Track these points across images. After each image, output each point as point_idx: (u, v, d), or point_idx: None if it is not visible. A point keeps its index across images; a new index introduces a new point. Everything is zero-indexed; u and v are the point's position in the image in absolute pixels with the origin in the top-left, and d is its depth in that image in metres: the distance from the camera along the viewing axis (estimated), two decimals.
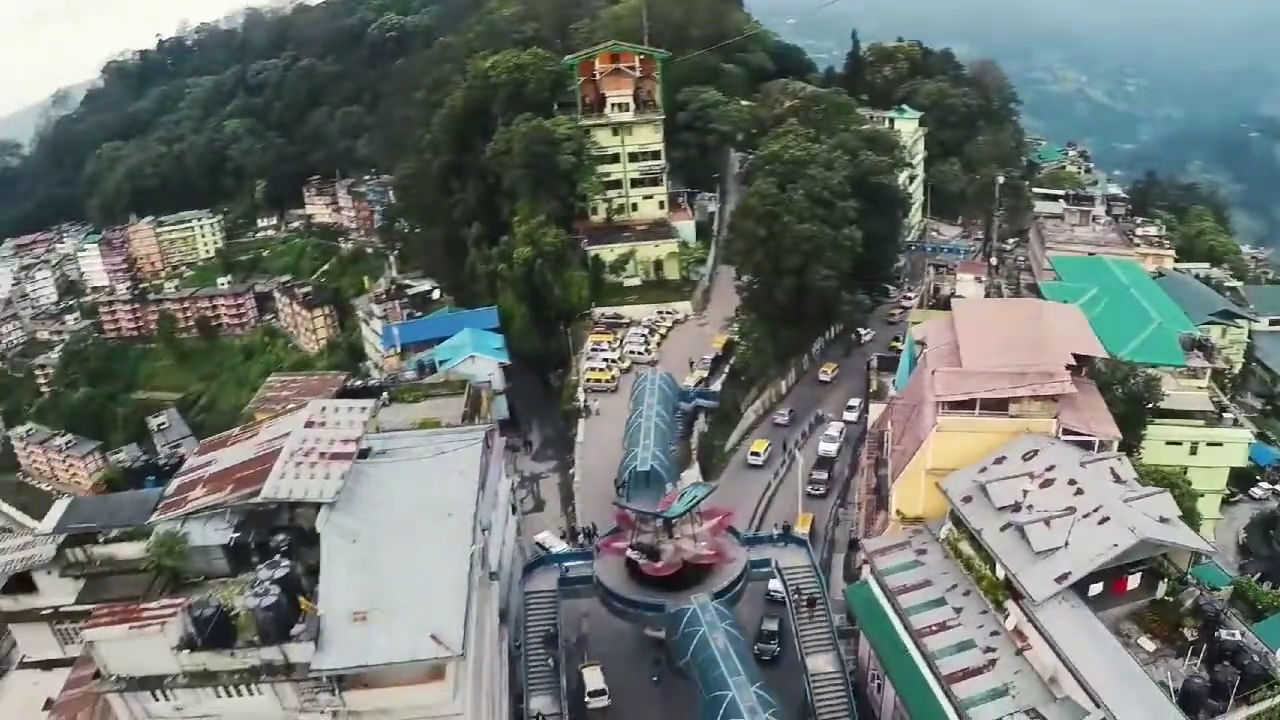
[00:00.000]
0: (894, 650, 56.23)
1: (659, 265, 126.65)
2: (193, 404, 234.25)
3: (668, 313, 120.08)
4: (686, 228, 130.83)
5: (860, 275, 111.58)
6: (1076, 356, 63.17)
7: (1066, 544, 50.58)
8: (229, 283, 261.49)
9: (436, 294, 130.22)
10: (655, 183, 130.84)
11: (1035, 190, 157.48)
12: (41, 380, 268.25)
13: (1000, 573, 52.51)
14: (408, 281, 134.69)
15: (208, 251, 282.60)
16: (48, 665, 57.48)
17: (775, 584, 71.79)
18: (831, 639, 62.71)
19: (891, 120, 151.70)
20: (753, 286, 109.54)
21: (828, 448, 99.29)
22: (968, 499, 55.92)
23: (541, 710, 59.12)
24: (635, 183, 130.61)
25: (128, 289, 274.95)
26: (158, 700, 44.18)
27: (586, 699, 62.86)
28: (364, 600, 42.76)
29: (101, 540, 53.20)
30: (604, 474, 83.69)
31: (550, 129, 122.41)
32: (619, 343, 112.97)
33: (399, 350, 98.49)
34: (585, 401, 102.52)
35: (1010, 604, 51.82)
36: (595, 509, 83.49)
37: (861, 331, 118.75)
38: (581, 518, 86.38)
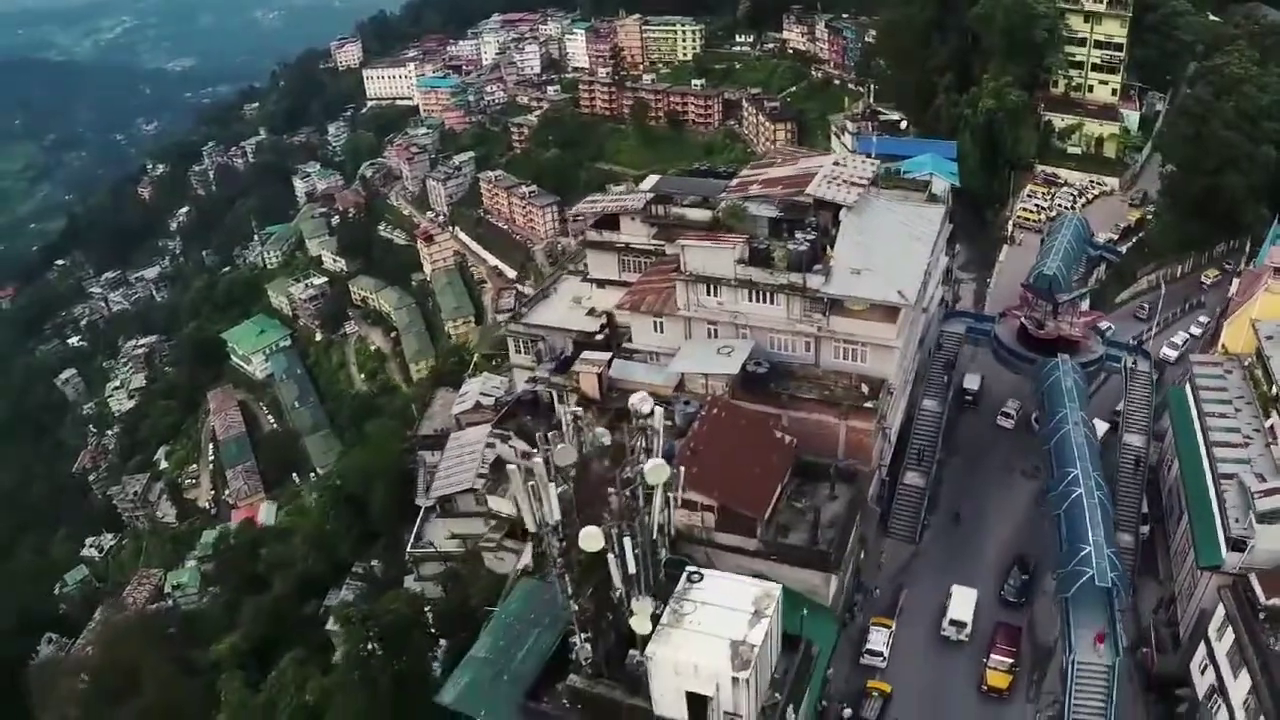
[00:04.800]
0: (1186, 429, 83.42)
1: (1100, 142, 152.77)
2: None
3: (1097, 183, 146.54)
4: (1132, 117, 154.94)
5: (1273, 199, 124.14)
6: None
7: None
8: (701, 85, 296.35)
9: (904, 125, 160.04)
10: (1113, 71, 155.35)
11: None
12: (515, 137, 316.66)
13: (1274, 390, 77.44)
14: (880, 109, 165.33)
15: (685, 55, 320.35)
16: (602, 284, 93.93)
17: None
18: (1148, 424, 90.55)
19: None
20: (1173, 176, 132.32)
21: (1167, 352, 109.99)
22: (1270, 338, 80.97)
23: (930, 408, 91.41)
24: (1095, 67, 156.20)
25: (608, 74, 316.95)
26: (708, 295, 78.76)
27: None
28: (859, 262, 75.78)
29: (679, 204, 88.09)
30: (1013, 288, 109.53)
31: (1031, 5, 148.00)
32: (1051, 196, 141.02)
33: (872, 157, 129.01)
34: (1012, 232, 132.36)
35: (1274, 412, 77.00)
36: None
37: None
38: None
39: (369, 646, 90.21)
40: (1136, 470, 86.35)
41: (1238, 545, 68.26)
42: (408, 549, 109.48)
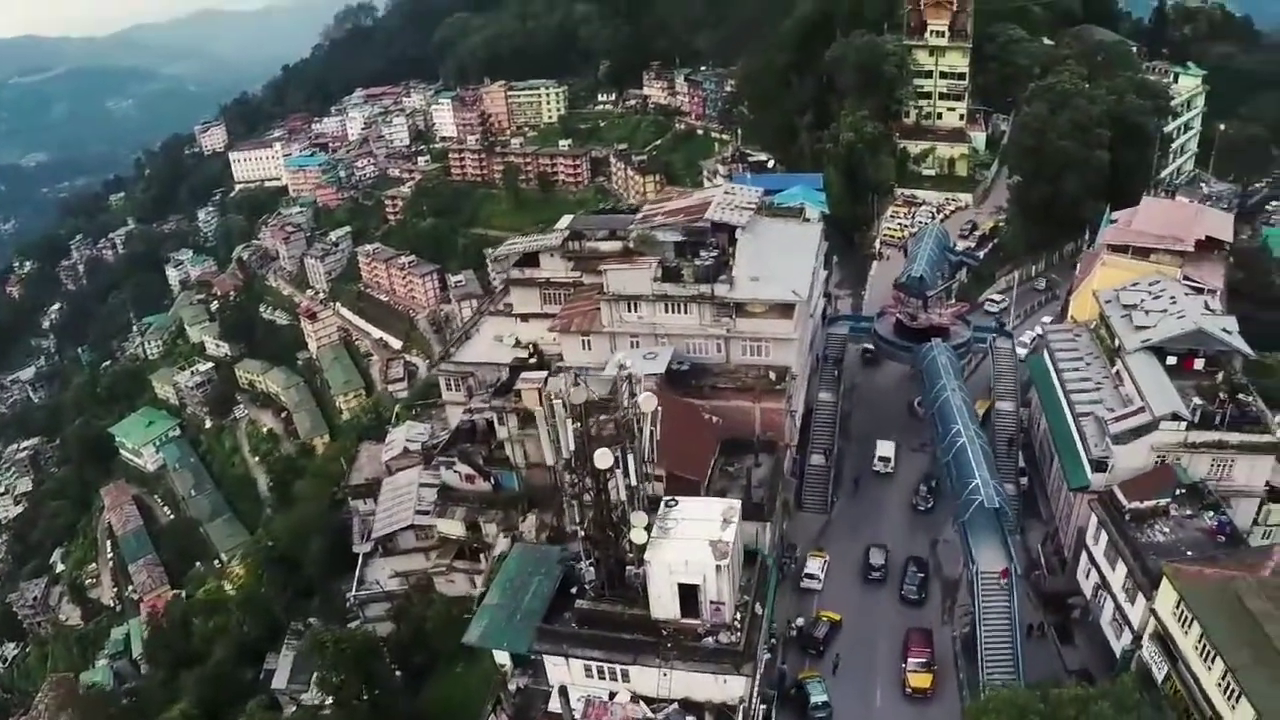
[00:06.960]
0: (1048, 388, 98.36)
1: (952, 163, 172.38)
2: None
3: (953, 200, 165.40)
4: (979, 138, 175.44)
5: (1109, 196, 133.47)
6: (1210, 238, 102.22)
7: (1155, 325, 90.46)
8: (569, 146, 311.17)
9: (771, 164, 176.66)
10: (958, 99, 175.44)
11: None
12: (390, 209, 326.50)
13: (1115, 341, 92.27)
14: (748, 151, 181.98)
15: (550, 117, 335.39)
16: (525, 318, 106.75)
17: None
18: (1015, 392, 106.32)
19: (1176, 75, 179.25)
20: (1019, 186, 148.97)
21: (1020, 352, 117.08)
22: (1109, 301, 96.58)
23: (826, 399, 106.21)
24: (942, 96, 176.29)
25: (477, 140, 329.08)
26: (630, 311, 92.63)
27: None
28: (756, 272, 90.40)
29: (592, 238, 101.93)
30: (885, 296, 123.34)
31: (880, 45, 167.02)
32: (911, 215, 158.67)
33: None
34: (880, 249, 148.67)
35: (1117, 360, 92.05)
36: None
37: None
38: None
39: (339, 676, 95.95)
40: (1010, 440, 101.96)
41: (1100, 466, 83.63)
42: (350, 594, 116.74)
